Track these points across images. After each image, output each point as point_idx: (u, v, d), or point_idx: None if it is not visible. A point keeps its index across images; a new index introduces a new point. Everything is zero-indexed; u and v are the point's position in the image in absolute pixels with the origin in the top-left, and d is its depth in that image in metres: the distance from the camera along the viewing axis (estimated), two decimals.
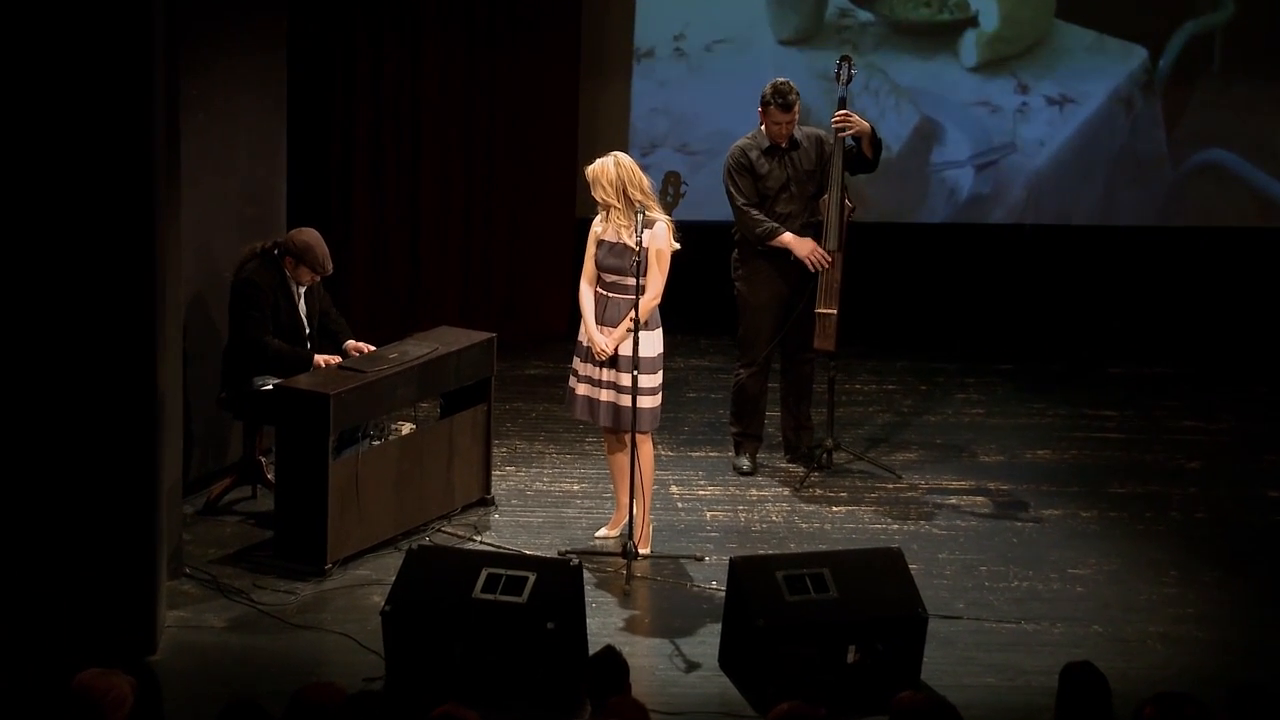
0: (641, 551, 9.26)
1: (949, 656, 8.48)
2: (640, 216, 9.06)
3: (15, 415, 8.08)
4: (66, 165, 7.92)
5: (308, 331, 9.74)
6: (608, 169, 9.13)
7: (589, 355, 9.27)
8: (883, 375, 12.06)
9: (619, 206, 9.12)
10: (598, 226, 9.25)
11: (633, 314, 9.05)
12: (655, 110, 12.62)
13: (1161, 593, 9.20)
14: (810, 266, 10.15)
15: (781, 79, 10.14)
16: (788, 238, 10.16)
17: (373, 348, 9.70)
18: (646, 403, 9.18)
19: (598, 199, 9.17)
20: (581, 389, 9.33)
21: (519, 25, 12.25)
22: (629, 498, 9.21)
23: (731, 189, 10.23)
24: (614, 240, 9.16)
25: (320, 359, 9.53)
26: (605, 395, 9.25)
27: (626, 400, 9.12)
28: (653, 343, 9.22)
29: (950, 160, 12.80)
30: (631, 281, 9.09)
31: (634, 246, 9.06)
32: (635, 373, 9.04)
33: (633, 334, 9.06)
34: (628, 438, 9.18)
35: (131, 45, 7.87)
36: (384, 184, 12.33)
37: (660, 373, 9.27)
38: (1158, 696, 6.23)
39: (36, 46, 7.84)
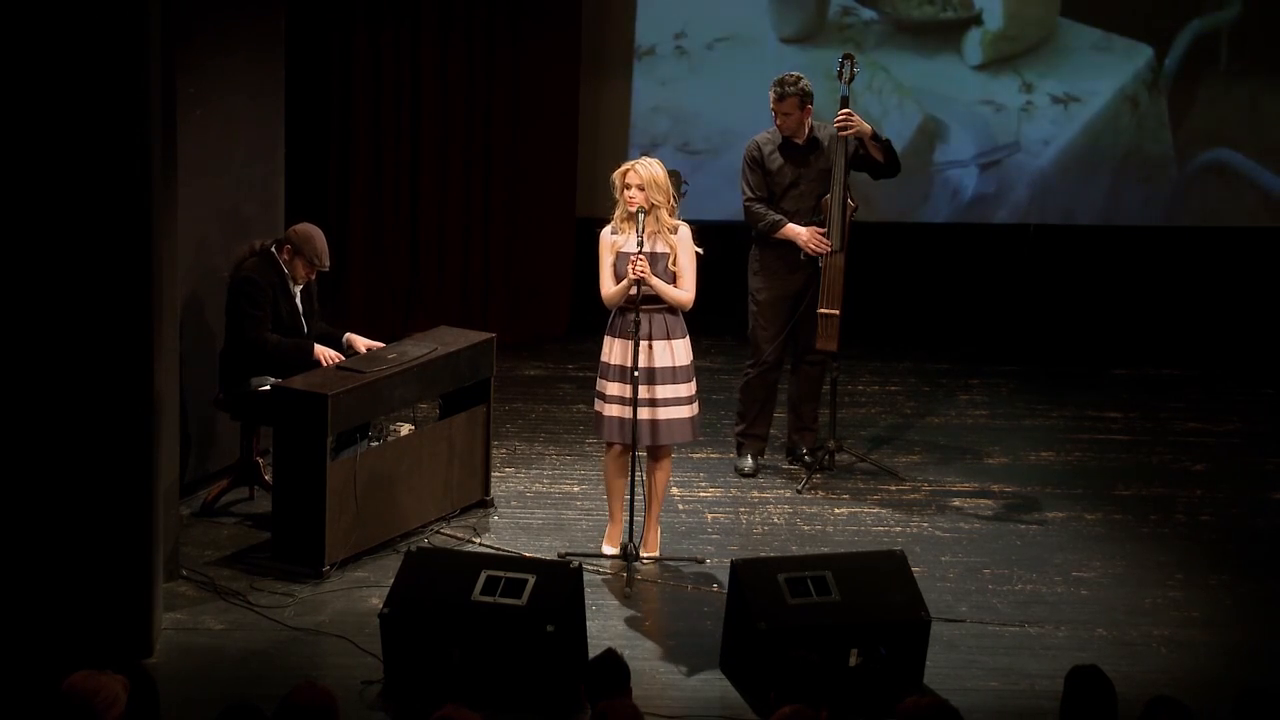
0: (646, 556, 9.20)
1: (952, 660, 8.44)
2: (642, 217, 8.96)
3: (11, 416, 8.05)
4: (62, 164, 7.88)
5: (306, 330, 9.68)
6: (653, 168, 8.99)
7: (622, 375, 9.05)
8: (885, 376, 12.01)
9: (667, 206, 9.00)
10: (614, 236, 9.06)
11: (656, 283, 8.95)
12: (656, 109, 12.57)
13: (1166, 596, 9.16)
14: (809, 250, 10.08)
15: (790, 73, 10.10)
16: (791, 229, 10.10)
17: (376, 344, 9.65)
18: (693, 411, 9.13)
19: (652, 201, 8.94)
20: (612, 410, 9.11)
21: (519, 23, 12.20)
22: (628, 513, 9.12)
23: (742, 183, 10.21)
24: (644, 249, 8.96)
25: (321, 351, 9.46)
26: (644, 414, 9.05)
27: (668, 413, 9.03)
28: (687, 350, 9.12)
29: (954, 159, 12.75)
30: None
31: (665, 251, 8.97)
32: (674, 383, 9.04)
33: (634, 322, 8.96)
34: (637, 455, 9.08)
35: (128, 43, 7.84)
36: (383, 183, 12.29)
37: (694, 380, 9.21)
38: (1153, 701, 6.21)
39: (32, 44, 7.80)
